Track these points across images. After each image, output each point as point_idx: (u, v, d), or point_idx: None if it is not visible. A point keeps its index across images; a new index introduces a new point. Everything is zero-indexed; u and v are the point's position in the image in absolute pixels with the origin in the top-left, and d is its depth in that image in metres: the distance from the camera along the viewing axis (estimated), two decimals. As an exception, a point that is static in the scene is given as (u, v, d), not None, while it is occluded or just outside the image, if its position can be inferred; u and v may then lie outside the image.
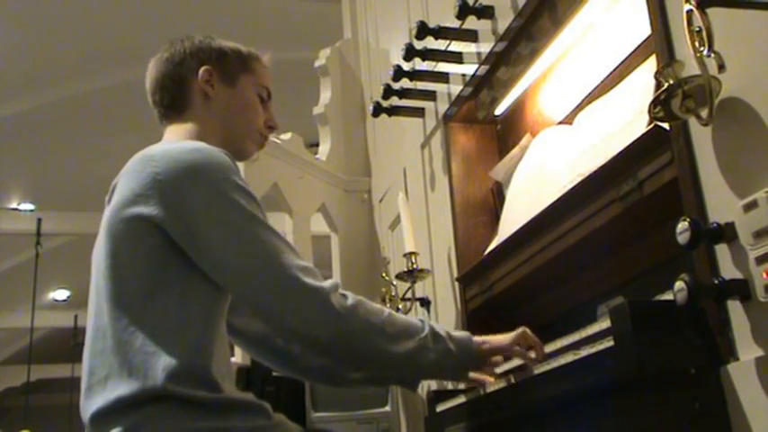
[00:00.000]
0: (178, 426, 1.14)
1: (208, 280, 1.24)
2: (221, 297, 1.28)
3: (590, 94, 1.66)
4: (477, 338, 1.40)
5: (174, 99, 1.46)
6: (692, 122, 1.10)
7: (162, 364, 1.16)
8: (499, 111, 2.07)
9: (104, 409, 1.17)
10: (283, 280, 1.22)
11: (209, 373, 1.19)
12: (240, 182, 1.27)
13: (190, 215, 1.22)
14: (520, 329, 1.40)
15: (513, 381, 1.38)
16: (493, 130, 2.12)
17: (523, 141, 1.89)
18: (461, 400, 1.63)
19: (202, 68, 1.46)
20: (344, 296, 1.27)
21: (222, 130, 1.45)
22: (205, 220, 1.22)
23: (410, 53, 1.99)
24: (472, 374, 1.45)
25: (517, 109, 2.00)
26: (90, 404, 1.20)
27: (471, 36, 1.91)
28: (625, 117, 1.42)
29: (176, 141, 1.38)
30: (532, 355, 1.37)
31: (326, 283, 1.26)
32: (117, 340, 1.19)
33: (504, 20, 1.75)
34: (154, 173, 1.23)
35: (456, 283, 2.01)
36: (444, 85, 2.12)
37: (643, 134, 1.25)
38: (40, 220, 8.62)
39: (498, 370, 1.63)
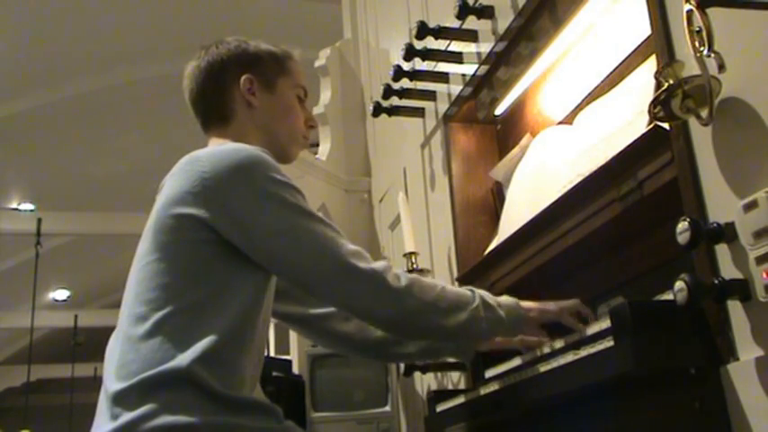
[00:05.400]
0: (191, 417, 1.16)
1: (248, 278, 1.30)
2: (261, 293, 1.33)
3: (590, 94, 1.65)
4: (525, 304, 1.44)
5: (216, 110, 1.49)
6: (692, 122, 1.10)
7: (193, 349, 1.20)
8: (499, 111, 2.07)
9: (126, 389, 1.19)
10: (340, 268, 1.28)
11: (237, 366, 1.24)
12: (281, 177, 1.32)
13: (239, 213, 1.27)
14: (571, 301, 1.44)
15: (512, 381, 1.38)
16: (493, 130, 2.12)
17: (523, 141, 1.89)
18: (461, 400, 1.63)
19: (243, 77, 1.48)
20: (397, 276, 1.32)
21: (267, 138, 1.48)
22: (255, 218, 1.27)
23: (410, 53, 1.99)
24: (522, 338, 1.50)
25: (517, 109, 2.00)
26: (113, 385, 1.22)
27: (471, 36, 1.91)
28: (625, 117, 1.41)
29: (221, 145, 1.40)
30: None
31: (378, 266, 1.30)
32: (155, 328, 1.23)
33: (504, 20, 1.75)
34: (201, 172, 1.29)
35: (456, 283, 2.01)
36: (444, 85, 2.11)
37: (643, 134, 1.25)
38: (40, 220, 8.61)
39: (498, 370, 1.63)
